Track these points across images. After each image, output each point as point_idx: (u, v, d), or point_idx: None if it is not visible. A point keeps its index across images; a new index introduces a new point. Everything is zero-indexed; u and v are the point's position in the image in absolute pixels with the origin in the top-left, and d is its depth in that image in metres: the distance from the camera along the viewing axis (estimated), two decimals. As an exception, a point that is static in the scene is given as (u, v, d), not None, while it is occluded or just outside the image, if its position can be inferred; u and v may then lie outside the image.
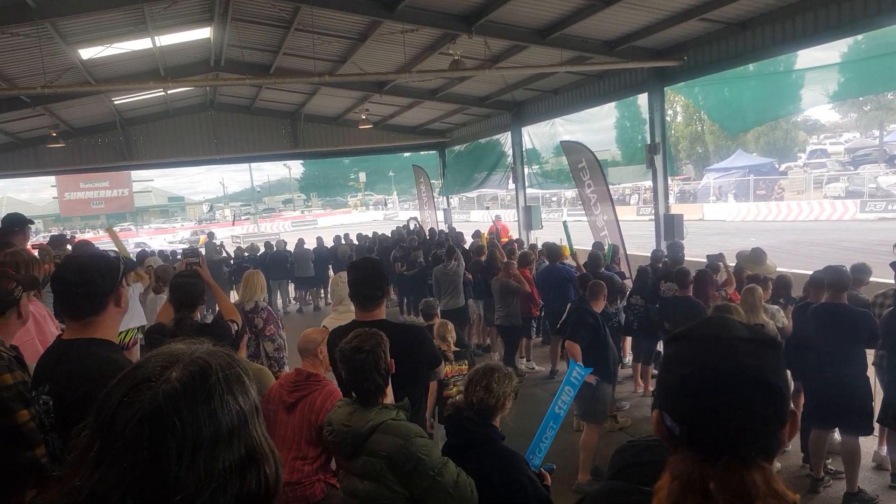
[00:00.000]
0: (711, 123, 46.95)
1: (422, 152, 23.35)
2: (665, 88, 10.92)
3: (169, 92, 14.27)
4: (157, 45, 10.49)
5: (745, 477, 0.98)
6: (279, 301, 14.97)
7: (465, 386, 3.00)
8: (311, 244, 15.52)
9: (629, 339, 8.23)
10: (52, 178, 49.86)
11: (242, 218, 55.01)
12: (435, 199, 20.36)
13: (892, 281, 5.54)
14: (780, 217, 28.76)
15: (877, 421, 5.11)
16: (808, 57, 9.79)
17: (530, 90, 13.80)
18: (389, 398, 2.69)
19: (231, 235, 36.00)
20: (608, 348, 5.80)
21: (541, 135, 15.09)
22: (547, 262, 9.18)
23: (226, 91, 15.92)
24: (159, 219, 64.64)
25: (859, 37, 9.09)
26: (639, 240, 14.78)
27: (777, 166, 38.19)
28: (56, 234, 10.32)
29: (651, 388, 7.71)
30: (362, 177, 66.57)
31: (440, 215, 20.19)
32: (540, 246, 10.74)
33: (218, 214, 62.35)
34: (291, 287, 15.86)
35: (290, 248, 15.36)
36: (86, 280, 2.05)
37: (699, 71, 9.95)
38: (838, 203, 27.90)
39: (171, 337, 3.48)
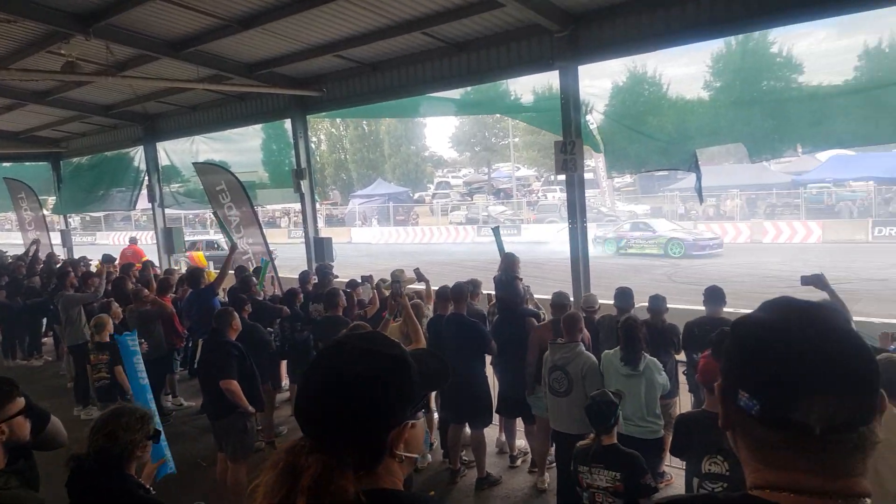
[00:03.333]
0: (354, 152, 51.22)
1: (27, 163, 19.81)
2: (308, 116, 11.52)
3: None
4: None
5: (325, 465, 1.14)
6: None
7: (89, 433, 2.75)
8: None
9: (285, 363, 8.36)
10: None
11: None
12: (47, 220, 17.59)
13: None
14: (417, 240, 32.91)
15: (496, 412, 6.28)
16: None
17: (165, 104, 13.07)
18: None
19: None
20: (256, 377, 5.87)
21: (179, 151, 14.39)
22: (191, 290, 8.80)
23: None
24: None
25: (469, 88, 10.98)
26: (294, 262, 15.16)
27: (411, 195, 43.48)
28: None
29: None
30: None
31: (56, 237, 17.54)
32: (184, 270, 10.27)
33: None
34: None
35: None
36: None
37: (338, 103, 10.80)
38: (461, 228, 33.26)
39: None
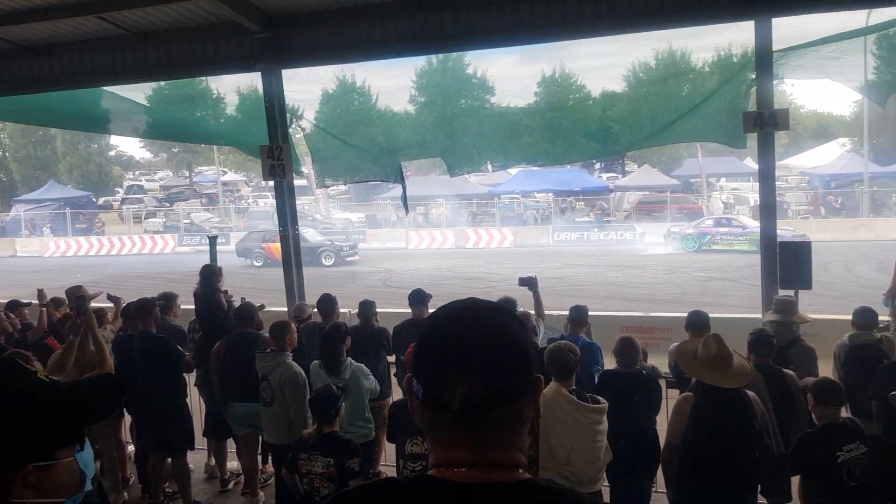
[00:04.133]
0: (17, 149, 44.28)
1: None
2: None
3: None
4: None
5: None
6: None
7: None
8: None
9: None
10: None
11: None
12: None
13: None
14: (104, 251, 29.79)
15: (203, 434, 6.01)
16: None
17: None
18: None
19: None
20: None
21: None
22: None
23: None
24: None
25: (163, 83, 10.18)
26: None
27: (95, 200, 39.28)
28: None
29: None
30: None
31: None
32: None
33: None
34: None
35: None
36: None
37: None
38: (158, 237, 30.87)
39: None
